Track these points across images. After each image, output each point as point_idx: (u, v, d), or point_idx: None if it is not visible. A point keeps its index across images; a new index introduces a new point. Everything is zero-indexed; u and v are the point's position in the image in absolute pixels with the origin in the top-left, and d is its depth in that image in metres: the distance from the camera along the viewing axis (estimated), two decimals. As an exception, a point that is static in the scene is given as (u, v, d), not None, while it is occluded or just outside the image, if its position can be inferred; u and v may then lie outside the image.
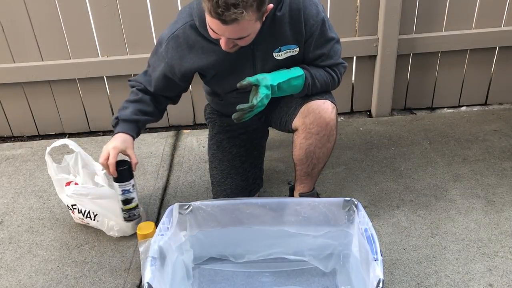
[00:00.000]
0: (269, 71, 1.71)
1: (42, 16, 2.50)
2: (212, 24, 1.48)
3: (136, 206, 1.78)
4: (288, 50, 1.70)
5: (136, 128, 1.79)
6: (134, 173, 1.78)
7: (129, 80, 1.89)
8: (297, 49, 1.71)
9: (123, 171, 1.71)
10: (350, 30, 2.61)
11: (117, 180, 1.73)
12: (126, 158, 1.76)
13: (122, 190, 1.75)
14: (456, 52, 2.70)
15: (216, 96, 1.98)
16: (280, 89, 1.69)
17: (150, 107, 1.82)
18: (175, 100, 1.92)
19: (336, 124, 1.75)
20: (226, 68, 1.73)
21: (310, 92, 1.75)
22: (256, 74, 1.71)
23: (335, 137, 1.77)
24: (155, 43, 2.53)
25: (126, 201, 1.77)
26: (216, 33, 1.51)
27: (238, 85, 1.66)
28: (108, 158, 1.70)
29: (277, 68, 1.72)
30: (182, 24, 1.68)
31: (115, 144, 1.72)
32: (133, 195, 1.77)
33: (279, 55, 1.70)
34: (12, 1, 2.45)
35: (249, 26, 1.48)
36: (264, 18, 1.55)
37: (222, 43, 1.54)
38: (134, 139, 1.78)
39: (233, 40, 1.53)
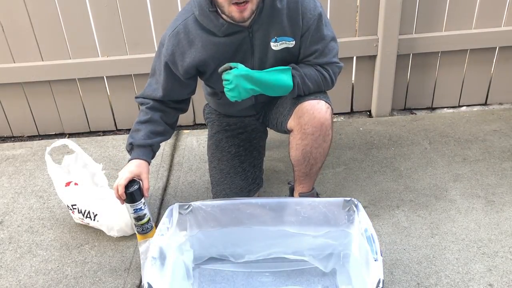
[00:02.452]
0: (266, 62, 1.73)
1: (42, 16, 2.50)
2: None
3: (149, 220, 1.76)
4: (283, 42, 1.71)
5: (151, 152, 1.81)
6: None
7: (136, 97, 1.88)
8: (293, 42, 1.71)
9: (133, 192, 1.69)
10: (350, 30, 2.61)
11: (128, 201, 1.71)
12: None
13: (134, 209, 1.72)
14: (456, 52, 2.70)
15: (215, 96, 1.98)
16: (264, 79, 1.69)
17: (161, 126, 1.82)
18: (184, 108, 1.92)
19: (331, 124, 1.75)
20: (226, 59, 1.73)
21: (302, 92, 1.75)
22: (254, 63, 1.74)
23: (331, 137, 1.77)
24: (155, 43, 2.57)
25: (138, 218, 1.74)
26: None
27: (219, 69, 1.69)
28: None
29: (274, 59, 1.74)
30: (183, 20, 1.70)
31: (130, 168, 1.72)
32: (145, 211, 1.74)
33: (275, 46, 1.71)
34: (12, 1, 2.45)
35: None
36: None
37: None
38: (149, 163, 1.78)
39: None
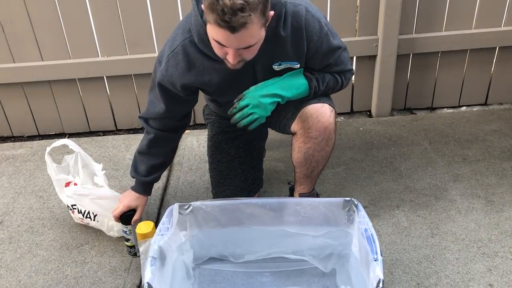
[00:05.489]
0: None
1: (42, 16, 2.50)
2: (218, 36, 1.42)
3: (133, 246, 1.90)
4: (287, 64, 1.69)
5: (151, 186, 1.94)
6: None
7: (139, 117, 1.87)
8: (298, 65, 1.69)
9: (126, 217, 1.86)
10: (350, 30, 2.61)
11: (121, 222, 1.88)
12: None
13: (122, 230, 1.90)
14: (456, 52, 2.70)
15: (215, 102, 1.97)
16: (280, 87, 1.68)
17: (161, 158, 1.90)
18: (187, 122, 1.91)
19: (335, 128, 1.74)
20: (227, 83, 1.71)
21: (318, 91, 1.74)
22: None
23: (334, 141, 1.76)
24: (155, 43, 2.57)
25: (124, 239, 1.91)
26: (223, 45, 1.45)
27: (228, 112, 1.71)
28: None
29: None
30: (181, 40, 1.64)
31: (129, 202, 1.87)
32: (129, 237, 1.89)
33: (279, 68, 1.69)
34: (12, 1, 2.45)
35: (256, 31, 1.43)
36: (266, 27, 1.52)
37: (230, 57, 1.48)
38: (149, 195, 1.94)
39: (240, 53, 1.48)
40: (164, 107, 1.76)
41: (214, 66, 1.65)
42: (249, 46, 1.46)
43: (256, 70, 1.69)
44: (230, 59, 1.49)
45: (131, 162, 1.92)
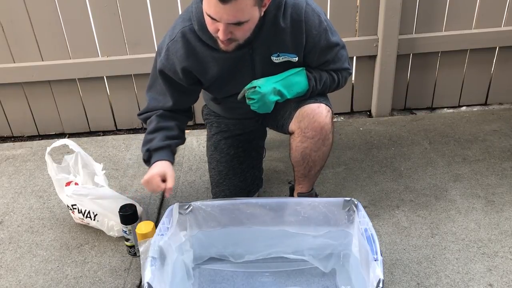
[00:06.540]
0: (268, 75, 1.71)
1: (42, 16, 2.50)
2: (210, 7, 1.43)
3: (132, 246, 1.88)
4: (286, 57, 1.69)
5: (170, 152, 1.75)
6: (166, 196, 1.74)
7: (138, 114, 1.85)
8: (296, 58, 1.70)
9: (124, 216, 1.83)
10: (350, 30, 2.61)
11: (121, 221, 1.85)
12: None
13: (122, 230, 1.87)
14: (456, 52, 2.70)
15: (214, 99, 1.97)
16: (284, 85, 1.69)
17: (174, 131, 1.78)
18: (190, 116, 1.91)
19: (331, 128, 1.74)
20: (225, 74, 1.72)
21: (315, 90, 1.75)
22: (255, 78, 1.71)
23: (331, 141, 1.76)
24: (155, 43, 2.57)
25: (124, 238, 1.89)
26: (214, 19, 1.46)
27: (238, 97, 1.70)
28: (152, 180, 1.65)
29: (276, 71, 1.72)
30: (181, 28, 1.66)
31: (153, 169, 1.67)
32: (129, 237, 1.86)
33: (277, 59, 1.69)
34: (12, 1, 2.45)
35: (248, 8, 1.44)
36: (262, 13, 1.54)
37: (221, 33, 1.48)
38: (172, 163, 1.73)
39: (230, 30, 1.48)
40: (171, 101, 1.76)
41: (214, 55, 1.66)
42: (240, 23, 1.47)
43: (254, 61, 1.70)
44: (220, 35, 1.49)
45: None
